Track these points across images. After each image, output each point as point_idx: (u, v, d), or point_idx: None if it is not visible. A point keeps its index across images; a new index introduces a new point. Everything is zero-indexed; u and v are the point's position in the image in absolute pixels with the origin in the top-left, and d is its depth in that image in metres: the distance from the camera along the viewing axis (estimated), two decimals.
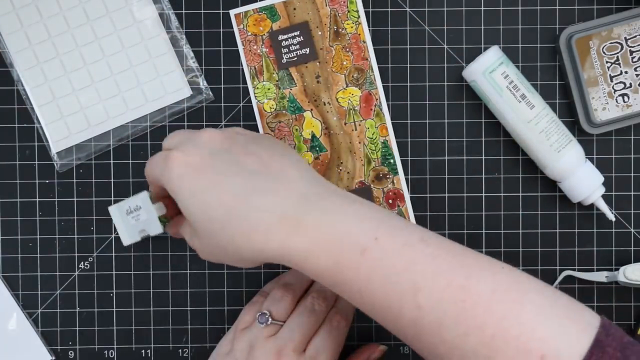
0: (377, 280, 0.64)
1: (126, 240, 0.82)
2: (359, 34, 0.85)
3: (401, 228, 0.66)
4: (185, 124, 0.86)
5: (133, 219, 0.82)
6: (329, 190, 0.69)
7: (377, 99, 0.85)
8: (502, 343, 0.61)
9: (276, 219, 0.66)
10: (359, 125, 0.85)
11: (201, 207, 0.68)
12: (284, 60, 0.85)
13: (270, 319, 0.76)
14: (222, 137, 0.71)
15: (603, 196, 0.85)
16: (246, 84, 0.86)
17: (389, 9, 0.86)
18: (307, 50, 0.85)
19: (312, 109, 0.86)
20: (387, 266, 0.64)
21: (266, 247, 0.66)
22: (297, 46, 0.85)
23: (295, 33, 0.85)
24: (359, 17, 0.85)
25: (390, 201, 0.85)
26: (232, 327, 0.81)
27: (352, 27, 0.85)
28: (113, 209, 0.82)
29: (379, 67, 0.85)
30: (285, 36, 0.85)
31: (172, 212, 0.79)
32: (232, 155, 0.69)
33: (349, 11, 0.85)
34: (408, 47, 0.86)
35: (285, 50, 0.85)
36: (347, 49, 0.85)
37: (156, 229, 0.82)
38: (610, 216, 0.83)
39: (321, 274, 0.66)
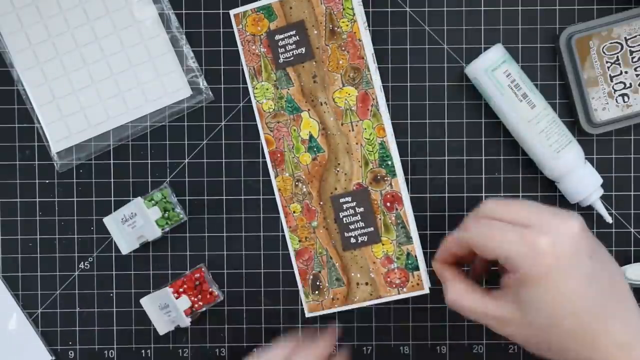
0: None
1: (125, 249, 0.83)
2: (355, 32, 0.85)
3: None
4: (185, 124, 0.86)
5: (129, 227, 0.83)
6: None
7: (373, 99, 0.85)
8: None
9: (616, 347, 0.68)
10: (356, 125, 0.85)
11: (551, 310, 0.68)
12: (281, 60, 0.85)
13: None
14: (586, 233, 0.69)
15: (603, 196, 0.85)
16: (246, 84, 0.86)
17: (389, 9, 0.86)
18: (303, 49, 0.85)
19: (309, 109, 0.85)
20: None
21: None
22: (294, 46, 0.85)
23: (291, 32, 0.85)
24: (354, 14, 0.84)
25: (388, 204, 0.85)
26: None
27: (347, 26, 0.85)
28: (108, 220, 0.83)
29: (378, 67, 0.85)
30: (281, 36, 0.85)
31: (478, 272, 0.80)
32: (592, 267, 0.69)
33: (343, 9, 0.84)
34: (408, 47, 0.86)
35: (282, 50, 0.85)
36: (343, 48, 0.85)
37: (154, 233, 0.83)
38: (608, 218, 0.83)
39: None
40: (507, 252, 0.68)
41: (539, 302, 0.68)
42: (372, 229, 0.85)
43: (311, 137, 0.85)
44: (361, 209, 0.85)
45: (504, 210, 0.71)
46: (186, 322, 0.84)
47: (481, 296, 0.73)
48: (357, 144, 0.85)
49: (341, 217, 0.85)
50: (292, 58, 0.85)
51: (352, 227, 0.85)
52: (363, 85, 0.85)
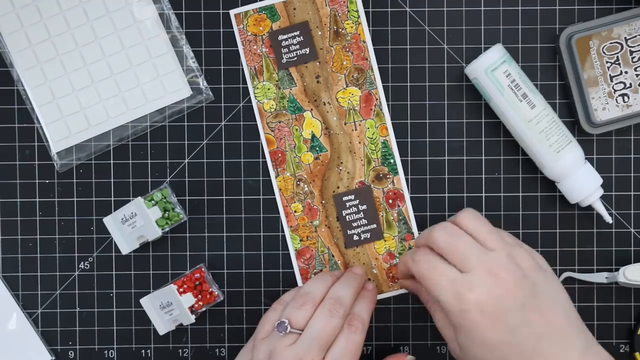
0: None
1: (125, 249, 0.83)
2: (359, 34, 0.85)
3: None
4: (185, 124, 0.86)
5: (129, 227, 0.83)
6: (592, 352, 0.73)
7: (377, 99, 0.85)
8: None
9: None
10: (359, 125, 0.85)
11: (480, 355, 0.72)
12: (284, 60, 0.85)
13: (289, 328, 0.76)
14: (521, 284, 0.72)
15: (603, 196, 0.85)
16: (246, 84, 0.86)
17: (389, 9, 0.86)
18: (307, 50, 0.85)
19: (312, 109, 0.85)
20: None
21: None
22: (297, 46, 0.85)
23: (295, 33, 0.85)
24: (358, 17, 0.85)
25: (390, 201, 0.86)
26: (251, 337, 0.81)
27: (352, 27, 0.85)
28: (108, 220, 0.83)
29: (379, 67, 0.85)
30: (285, 36, 0.85)
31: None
32: (525, 313, 0.71)
33: (348, 11, 0.85)
34: (408, 47, 0.86)
35: (285, 50, 0.85)
36: (347, 49, 0.85)
37: (154, 233, 0.83)
38: (608, 218, 0.83)
39: None
40: (439, 297, 0.73)
41: (467, 346, 0.72)
42: (374, 225, 0.85)
43: (313, 136, 0.85)
44: (364, 207, 0.85)
45: (453, 242, 0.74)
46: (191, 318, 0.83)
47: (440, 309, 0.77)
48: (360, 142, 0.85)
49: (344, 215, 0.85)
50: (295, 58, 0.85)
51: (355, 224, 0.85)
52: (366, 86, 0.85)
